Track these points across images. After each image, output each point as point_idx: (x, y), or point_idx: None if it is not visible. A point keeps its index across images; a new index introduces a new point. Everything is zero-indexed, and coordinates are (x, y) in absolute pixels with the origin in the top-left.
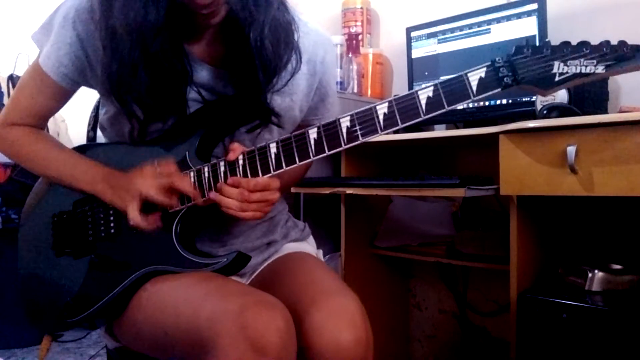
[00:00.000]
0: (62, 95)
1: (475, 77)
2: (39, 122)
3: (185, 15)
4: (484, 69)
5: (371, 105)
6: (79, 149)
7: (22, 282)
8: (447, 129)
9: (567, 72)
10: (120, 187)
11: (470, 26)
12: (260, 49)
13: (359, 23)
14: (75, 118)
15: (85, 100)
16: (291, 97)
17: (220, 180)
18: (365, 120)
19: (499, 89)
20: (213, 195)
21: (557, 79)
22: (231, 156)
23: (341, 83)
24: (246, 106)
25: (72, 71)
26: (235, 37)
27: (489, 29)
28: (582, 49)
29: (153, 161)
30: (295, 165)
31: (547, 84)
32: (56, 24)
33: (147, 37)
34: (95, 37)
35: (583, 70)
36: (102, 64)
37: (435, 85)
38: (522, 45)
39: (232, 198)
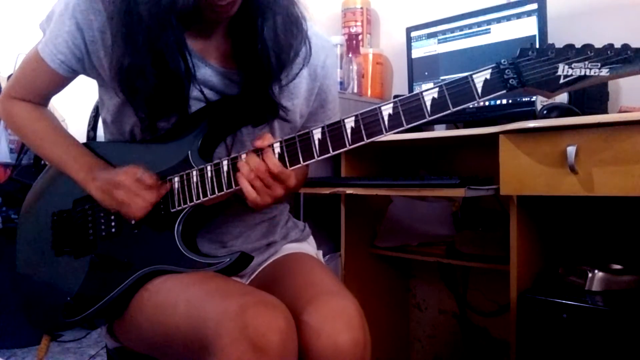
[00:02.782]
0: (60, 82)
1: (480, 78)
2: (41, 101)
3: (196, 11)
4: (489, 70)
5: (376, 106)
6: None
7: (21, 282)
8: (447, 129)
9: (571, 75)
10: (102, 181)
11: (470, 26)
12: (273, 38)
13: (359, 23)
14: (75, 118)
15: (85, 100)
16: (292, 100)
17: (222, 180)
18: (370, 121)
19: (504, 91)
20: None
21: (561, 81)
22: (259, 143)
23: (341, 83)
24: (252, 103)
25: (70, 59)
26: (246, 29)
27: (489, 29)
28: (587, 52)
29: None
30: (299, 165)
31: (552, 86)
32: (57, 12)
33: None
34: (94, 27)
35: (587, 73)
36: (112, 57)
37: (440, 87)
38: (527, 48)
39: (252, 169)
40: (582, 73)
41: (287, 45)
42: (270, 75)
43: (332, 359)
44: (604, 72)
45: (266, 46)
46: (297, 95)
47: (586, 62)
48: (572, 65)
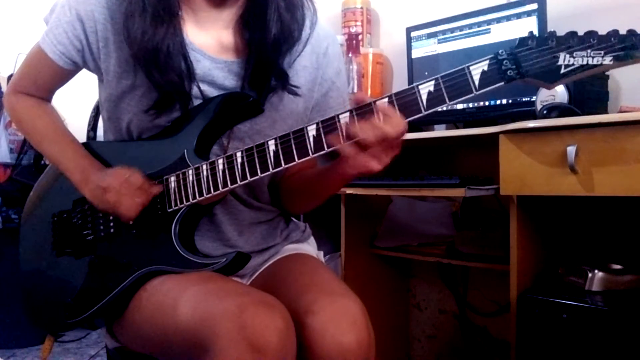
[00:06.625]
0: (61, 74)
1: (477, 70)
2: (44, 95)
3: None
4: (487, 62)
5: (370, 101)
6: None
7: (24, 282)
8: (447, 129)
9: (573, 64)
10: (94, 185)
11: (470, 26)
12: (280, 16)
13: (359, 23)
14: (75, 118)
15: (85, 100)
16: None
17: (218, 179)
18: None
19: (502, 83)
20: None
21: (562, 71)
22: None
23: None
24: (255, 85)
25: (69, 50)
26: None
27: (489, 29)
28: (589, 39)
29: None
30: (294, 162)
31: (553, 77)
32: (59, 3)
33: None
34: (95, 18)
35: (590, 62)
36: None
37: (436, 80)
38: (526, 37)
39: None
40: (585, 62)
41: (298, 5)
42: (279, 40)
43: (337, 359)
44: (608, 60)
45: (277, 7)
46: (297, 84)
47: (589, 51)
48: (574, 54)
